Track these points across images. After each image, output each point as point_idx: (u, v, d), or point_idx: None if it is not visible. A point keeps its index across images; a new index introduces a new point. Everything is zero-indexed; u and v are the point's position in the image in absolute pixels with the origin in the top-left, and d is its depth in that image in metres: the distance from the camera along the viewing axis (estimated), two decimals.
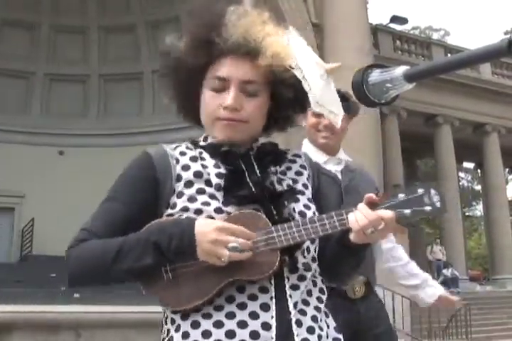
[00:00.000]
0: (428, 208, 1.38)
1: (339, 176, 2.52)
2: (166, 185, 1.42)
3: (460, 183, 28.45)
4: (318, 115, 2.50)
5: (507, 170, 25.83)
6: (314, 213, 1.48)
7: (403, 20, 20.44)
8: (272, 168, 1.49)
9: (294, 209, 1.45)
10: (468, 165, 30.12)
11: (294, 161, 1.57)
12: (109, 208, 1.44)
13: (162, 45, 1.51)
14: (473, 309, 13.04)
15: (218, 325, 1.32)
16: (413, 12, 75.51)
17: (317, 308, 1.42)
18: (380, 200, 1.38)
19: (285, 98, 1.47)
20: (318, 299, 1.44)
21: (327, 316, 1.46)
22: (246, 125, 1.46)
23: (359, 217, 1.34)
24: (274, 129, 1.57)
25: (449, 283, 17.62)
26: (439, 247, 19.34)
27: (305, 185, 1.53)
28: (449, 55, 18.72)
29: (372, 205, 1.37)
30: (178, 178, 1.43)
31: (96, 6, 16.03)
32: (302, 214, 1.45)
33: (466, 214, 36.60)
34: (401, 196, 1.39)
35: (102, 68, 16.68)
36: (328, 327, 1.44)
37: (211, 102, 1.45)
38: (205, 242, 1.29)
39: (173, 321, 1.38)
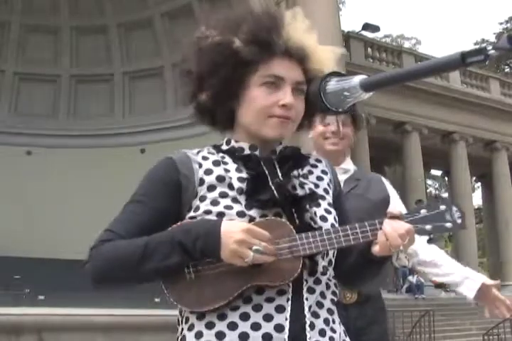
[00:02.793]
0: (449, 224, 1.45)
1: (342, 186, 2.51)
2: (189, 188, 1.44)
3: (428, 190, 28.72)
4: (326, 123, 2.56)
5: (474, 178, 26.16)
6: (335, 218, 1.51)
7: (375, 28, 20.60)
8: (295, 172, 1.50)
9: (315, 213, 1.46)
10: (436, 172, 30.52)
11: (316, 166, 1.60)
12: (133, 210, 1.46)
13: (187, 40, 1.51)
14: (438, 315, 13.19)
15: (232, 326, 1.34)
16: (385, 20, 76.26)
17: (330, 310, 1.44)
18: (401, 215, 1.43)
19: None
20: (332, 301, 1.46)
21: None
22: (294, 123, 1.49)
23: (388, 231, 1.38)
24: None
25: (414, 289, 17.81)
26: (404, 254, 19.41)
27: (326, 190, 1.56)
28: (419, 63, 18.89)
29: (394, 220, 1.41)
30: (201, 182, 1.45)
31: (68, 7, 15.86)
32: (323, 218, 1.48)
33: None
34: (423, 211, 1.44)
35: (74, 69, 16.51)
36: (339, 329, 1.46)
37: (265, 99, 1.45)
38: (231, 242, 1.30)
39: (187, 320, 1.41)
